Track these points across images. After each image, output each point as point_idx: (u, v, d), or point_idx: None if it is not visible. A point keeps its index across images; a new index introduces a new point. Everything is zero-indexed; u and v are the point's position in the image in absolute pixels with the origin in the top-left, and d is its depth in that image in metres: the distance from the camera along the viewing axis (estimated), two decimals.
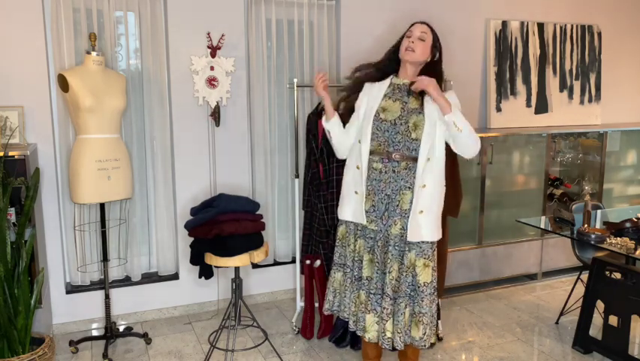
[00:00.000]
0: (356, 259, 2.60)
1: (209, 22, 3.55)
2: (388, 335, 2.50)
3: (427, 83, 2.39)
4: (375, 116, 2.52)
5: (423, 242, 2.49)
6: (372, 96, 2.58)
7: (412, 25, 2.59)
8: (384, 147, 2.49)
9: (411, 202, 2.49)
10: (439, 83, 2.52)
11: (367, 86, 2.65)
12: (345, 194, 2.63)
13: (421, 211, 2.47)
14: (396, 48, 2.62)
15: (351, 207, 2.59)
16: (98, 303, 3.53)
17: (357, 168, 2.55)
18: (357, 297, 2.60)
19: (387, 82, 2.60)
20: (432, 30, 2.56)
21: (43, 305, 3.09)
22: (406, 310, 2.51)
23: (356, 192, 2.56)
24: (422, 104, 2.49)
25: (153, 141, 3.59)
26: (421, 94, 2.50)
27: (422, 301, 2.50)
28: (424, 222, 2.47)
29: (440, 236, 2.57)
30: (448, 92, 2.52)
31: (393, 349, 2.54)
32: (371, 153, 2.53)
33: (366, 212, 2.54)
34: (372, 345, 2.73)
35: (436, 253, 2.57)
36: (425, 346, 2.53)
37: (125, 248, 3.61)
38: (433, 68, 2.58)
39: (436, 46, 2.58)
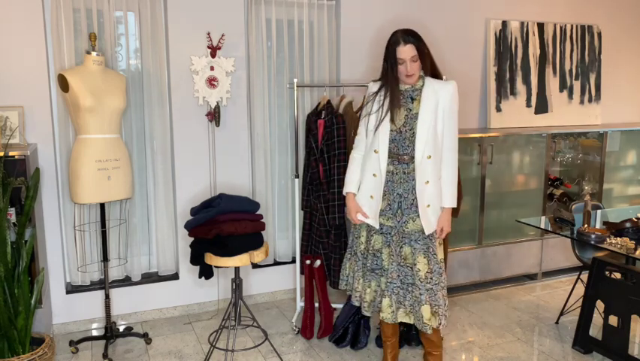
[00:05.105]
0: (370, 251, 2.73)
1: (209, 22, 3.55)
2: (400, 319, 2.68)
3: (447, 229, 2.67)
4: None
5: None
6: (381, 106, 2.65)
7: (397, 44, 2.53)
8: (394, 151, 2.64)
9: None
10: (436, 73, 2.67)
11: (373, 95, 2.72)
12: (359, 198, 2.74)
13: (429, 205, 2.62)
14: (387, 68, 2.62)
15: (368, 210, 2.71)
16: (98, 303, 3.53)
17: (374, 175, 2.67)
18: (376, 284, 2.73)
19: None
20: (416, 45, 2.53)
21: (43, 305, 3.10)
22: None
23: (371, 197, 2.68)
24: None
25: (153, 141, 3.59)
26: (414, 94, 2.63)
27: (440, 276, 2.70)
28: (432, 213, 2.64)
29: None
30: (449, 81, 2.65)
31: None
32: None
33: (382, 211, 2.68)
34: (388, 324, 2.88)
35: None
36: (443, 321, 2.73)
37: (125, 248, 3.61)
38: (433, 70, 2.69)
39: (426, 53, 2.60)
